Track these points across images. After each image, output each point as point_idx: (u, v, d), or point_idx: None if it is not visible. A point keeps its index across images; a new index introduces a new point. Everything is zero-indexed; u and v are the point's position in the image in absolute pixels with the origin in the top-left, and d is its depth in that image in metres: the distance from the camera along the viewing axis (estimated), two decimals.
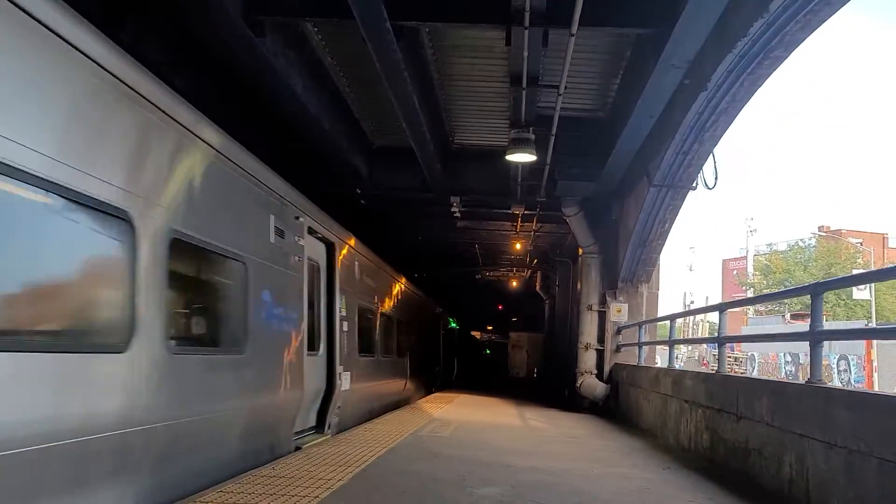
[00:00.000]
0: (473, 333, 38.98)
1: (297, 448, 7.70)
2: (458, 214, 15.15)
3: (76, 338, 4.09)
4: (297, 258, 7.67)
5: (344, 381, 9.74)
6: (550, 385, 20.11)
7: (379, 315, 13.20)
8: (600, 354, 14.03)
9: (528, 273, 26.94)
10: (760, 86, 8.12)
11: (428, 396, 18.28)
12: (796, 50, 7.30)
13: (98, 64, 4.15)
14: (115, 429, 4.21)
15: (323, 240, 9.13)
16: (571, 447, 8.74)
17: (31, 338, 3.77)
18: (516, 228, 17.81)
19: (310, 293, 8.30)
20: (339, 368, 9.42)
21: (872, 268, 44.08)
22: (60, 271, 4.02)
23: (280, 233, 7.10)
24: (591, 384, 13.80)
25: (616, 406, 12.87)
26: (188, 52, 7.97)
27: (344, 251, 10.19)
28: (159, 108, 4.78)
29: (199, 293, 5.93)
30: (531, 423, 11.93)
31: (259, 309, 6.52)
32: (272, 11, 7.77)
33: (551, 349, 23.29)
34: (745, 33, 7.04)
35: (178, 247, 4.93)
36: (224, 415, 5.82)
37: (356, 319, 10.86)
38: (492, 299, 35.11)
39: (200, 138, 5.36)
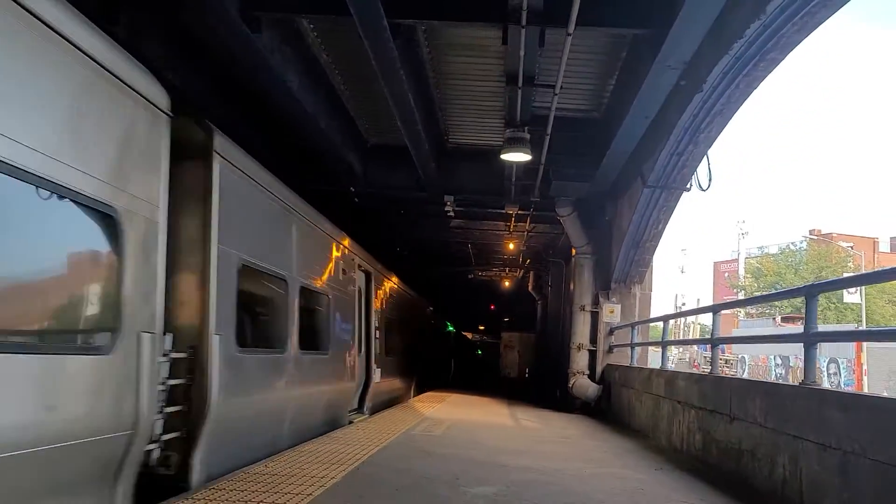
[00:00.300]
0: (465, 334, 39.02)
1: (350, 422, 10.59)
2: (451, 214, 15.13)
3: (276, 343, 7.64)
4: (351, 287, 11.14)
5: (376, 375, 12.98)
6: (542, 385, 20.13)
7: (398, 324, 16.29)
8: (592, 355, 14.04)
9: (521, 273, 26.94)
10: (756, 88, 8.14)
11: (420, 395, 18.28)
12: (792, 52, 7.32)
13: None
14: (293, 401, 7.99)
15: (364, 270, 12.31)
16: (564, 447, 8.74)
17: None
18: (510, 228, 17.81)
19: (358, 310, 11.56)
20: (374, 365, 12.69)
21: (863, 271, 44.35)
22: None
23: (344, 271, 10.60)
24: (583, 384, 13.81)
25: (608, 407, 12.88)
26: (184, 48, 7.92)
27: (377, 278, 13.56)
28: (306, 221, 8.88)
29: (309, 317, 8.86)
30: (523, 422, 11.93)
31: (335, 324, 9.99)
32: (268, 7, 7.73)
33: (543, 349, 23.30)
34: (742, 35, 7.05)
35: (303, 292, 8.36)
36: (323, 393, 9.47)
37: (384, 329, 14.13)
38: (484, 299, 35.12)
39: (317, 227, 9.26)
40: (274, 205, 7.44)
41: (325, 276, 9.62)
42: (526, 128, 9.92)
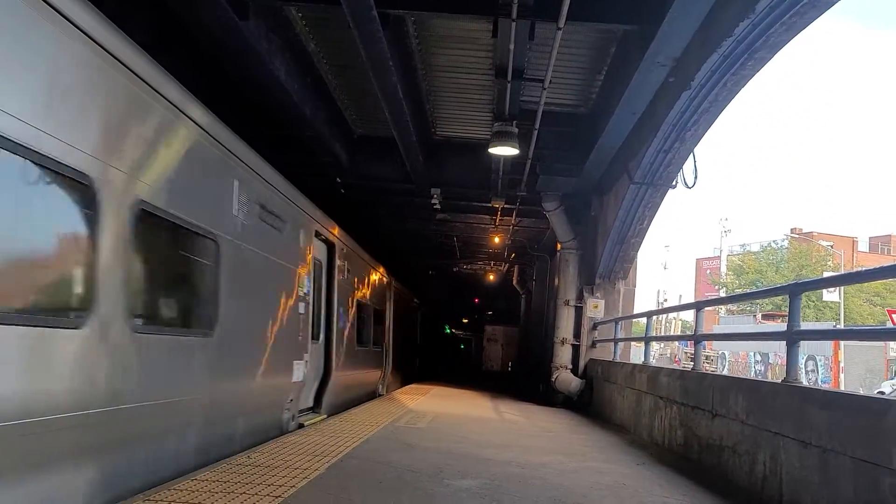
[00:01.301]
0: (448, 327, 39.09)
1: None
2: (437, 206, 15.12)
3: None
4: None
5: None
6: (525, 379, 20.21)
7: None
8: (576, 350, 14.10)
9: (506, 267, 27.01)
10: (743, 86, 8.17)
11: (403, 388, 18.24)
12: (781, 51, 7.35)
13: None
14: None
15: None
16: (547, 441, 8.77)
17: None
18: (495, 222, 17.82)
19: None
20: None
21: (842, 271, 44.87)
22: None
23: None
24: (566, 379, 13.86)
25: (590, 401, 12.95)
26: (169, 33, 7.80)
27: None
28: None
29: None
30: (506, 416, 11.96)
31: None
32: None
33: (526, 343, 23.40)
34: (731, 33, 7.07)
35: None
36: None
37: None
38: (468, 292, 35.18)
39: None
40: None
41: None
42: (514, 122, 9.91)
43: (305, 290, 8.84)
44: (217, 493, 4.77)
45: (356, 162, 13.57)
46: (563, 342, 14.19)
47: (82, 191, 3.95)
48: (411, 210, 17.42)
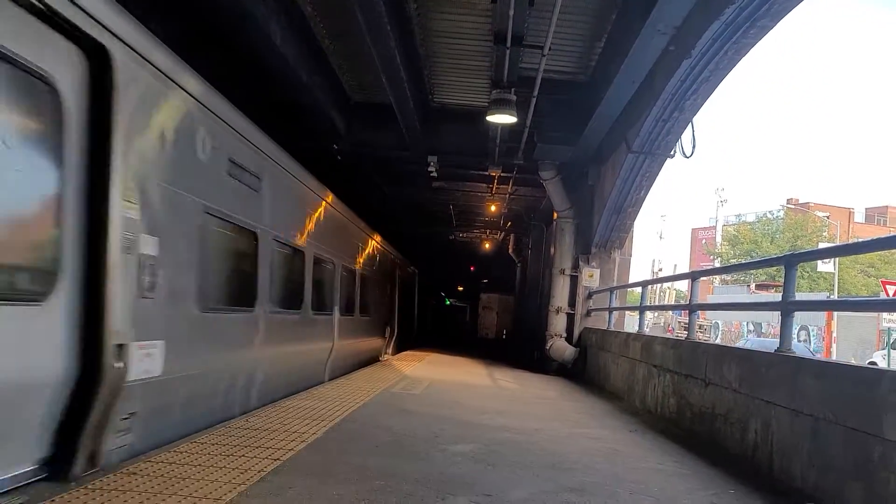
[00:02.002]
0: (444, 295, 39.29)
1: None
2: (434, 174, 15.07)
3: None
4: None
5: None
6: (520, 347, 20.36)
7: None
8: (570, 318, 14.19)
9: (501, 236, 27.04)
10: (745, 55, 8.11)
11: (399, 354, 18.39)
12: (783, 20, 7.29)
13: None
14: None
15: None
16: (541, 408, 8.88)
17: None
18: (492, 190, 17.78)
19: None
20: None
21: (837, 241, 45.03)
22: None
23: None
24: (560, 347, 13.98)
25: (584, 369, 13.08)
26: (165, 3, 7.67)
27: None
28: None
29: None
30: (501, 383, 12.09)
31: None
32: None
33: (521, 312, 23.53)
34: (733, 0, 7.00)
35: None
36: None
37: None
38: (464, 260, 35.25)
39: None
40: None
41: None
42: (512, 89, 9.84)
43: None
44: (216, 455, 4.84)
45: (353, 128, 13.50)
46: (557, 311, 14.27)
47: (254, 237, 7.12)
48: (408, 178, 17.34)
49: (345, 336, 12.09)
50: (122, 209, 4.39)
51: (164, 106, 5.05)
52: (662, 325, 47.37)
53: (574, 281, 14.21)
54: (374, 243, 15.58)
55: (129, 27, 4.50)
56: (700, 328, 40.53)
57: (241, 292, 7.01)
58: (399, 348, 20.40)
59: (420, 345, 23.21)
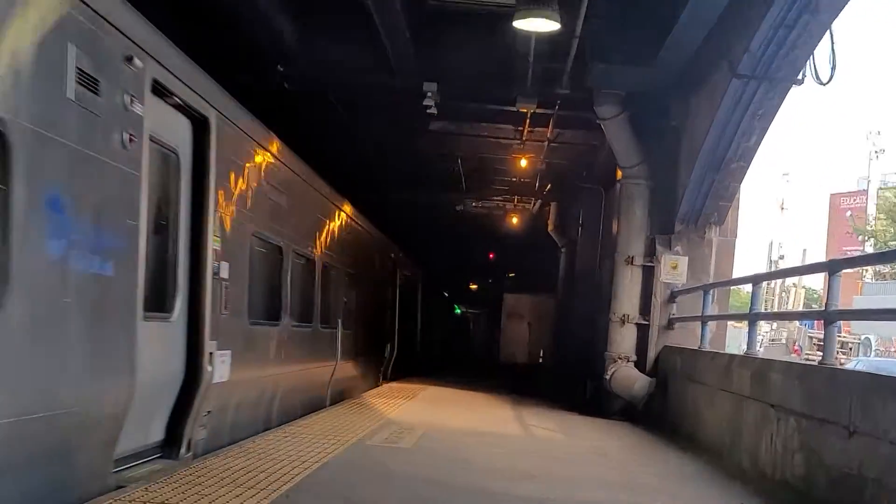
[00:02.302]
0: (448, 296, 39.52)
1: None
2: (433, 110, 15.10)
3: None
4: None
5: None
6: (564, 375, 20.39)
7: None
8: (643, 332, 14.19)
9: (537, 206, 27.12)
10: None
11: (381, 388, 18.47)
12: None
13: None
14: None
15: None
16: (597, 470, 8.88)
17: None
18: (522, 136, 17.78)
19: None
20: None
21: None
22: None
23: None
24: (626, 376, 13.98)
25: (663, 410, 13.08)
26: None
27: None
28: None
29: None
30: (535, 431, 12.10)
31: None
32: None
33: (567, 322, 23.55)
34: None
35: None
36: None
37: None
38: (479, 244, 35.32)
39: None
40: None
41: None
42: None
43: None
44: None
45: (308, 41, 13.45)
46: (623, 321, 14.25)
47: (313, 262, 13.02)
48: (392, 114, 17.43)
49: (347, 355, 16.24)
50: (212, 242, 8.36)
51: (238, 153, 9.47)
52: (785, 341, 47.35)
53: (648, 274, 14.18)
54: (372, 237, 17.49)
55: (221, 97, 8.82)
56: (843, 347, 40.25)
57: (271, 305, 11.28)
58: (399, 372, 21.34)
59: (421, 370, 23.36)
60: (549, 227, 26.33)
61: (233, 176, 9.26)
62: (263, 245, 10.68)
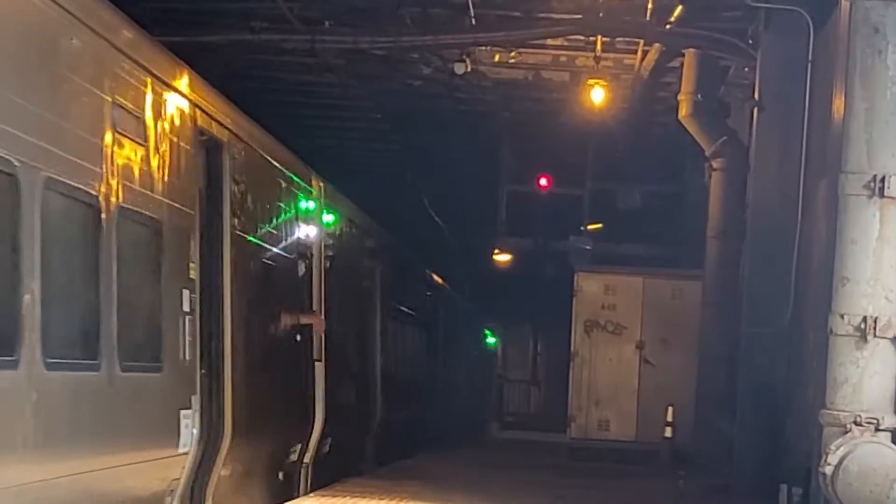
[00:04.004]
0: (439, 281, 40.24)
1: None
2: None
3: None
4: None
5: None
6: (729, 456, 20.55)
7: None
8: None
9: (651, 62, 27.23)
10: None
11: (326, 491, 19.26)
12: None
13: None
14: None
15: None
16: None
17: None
18: None
19: None
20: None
21: None
22: None
23: None
24: (878, 467, 14.01)
25: None
26: None
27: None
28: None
29: None
30: None
31: None
32: None
33: (727, 338, 23.77)
34: None
35: None
36: None
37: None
38: (515, 155, 35.66)
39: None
40: None
41: None
42: None
43: None
44: None
45: None
46: (862, 332, 14.27)
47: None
48: None
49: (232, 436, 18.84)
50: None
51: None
52: None
53: None
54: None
55: (237, 119, 21.54)
56: None
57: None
58: (335, 467, 22.82)
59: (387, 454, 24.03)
60: (682, 112, 26.56)
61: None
62: None
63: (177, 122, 17.48)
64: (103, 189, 14.99)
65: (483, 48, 27.30)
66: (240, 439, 19.18)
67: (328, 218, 28.96)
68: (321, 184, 28.65)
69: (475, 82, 29.40)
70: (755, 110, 21.13)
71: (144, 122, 16.41)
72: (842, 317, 14.43)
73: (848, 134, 14.65)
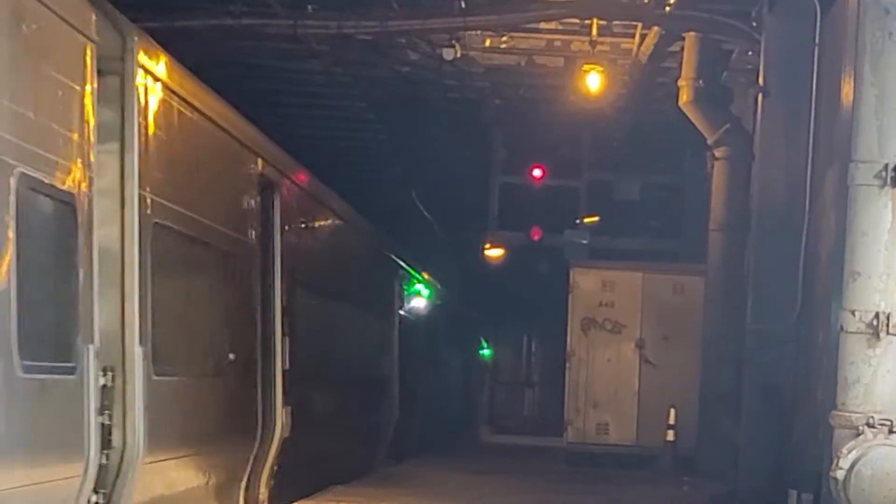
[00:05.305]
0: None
1: None
2: None
3: None
4: None
5: None
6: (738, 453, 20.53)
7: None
8: None
9: (650, 46, 27.21)
10: None
11: None
12: None
13: None
14: None
15: None
16: None
17: None
18: None
19: None
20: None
21: None
22: None
23: None
24: (884, 470, 13.96)
25: None
26: None
27: None
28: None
29: None
30: None
31: None
32: None
33: (731, 336, 23.76)
34: None
35: None
36: None
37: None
38: (509, 145, 35.68)
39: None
40: None
41: None
42: None
43: None
44: None
45: None
46: (874, 330, 14.23)
47: None
48: None
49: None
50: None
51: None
52: None
53: None
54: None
55: (283, 160, 27.53)
56: None
57: None
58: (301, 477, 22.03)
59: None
60: (683, 98, 26.56)
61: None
62: None
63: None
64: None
65: (473, 32, 27.39)
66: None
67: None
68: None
69: (465, 68, 29.51)
70: (760, 96, 21.14)
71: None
72: (853, 313, 14.40)
73: (858, 121, 14.61)
